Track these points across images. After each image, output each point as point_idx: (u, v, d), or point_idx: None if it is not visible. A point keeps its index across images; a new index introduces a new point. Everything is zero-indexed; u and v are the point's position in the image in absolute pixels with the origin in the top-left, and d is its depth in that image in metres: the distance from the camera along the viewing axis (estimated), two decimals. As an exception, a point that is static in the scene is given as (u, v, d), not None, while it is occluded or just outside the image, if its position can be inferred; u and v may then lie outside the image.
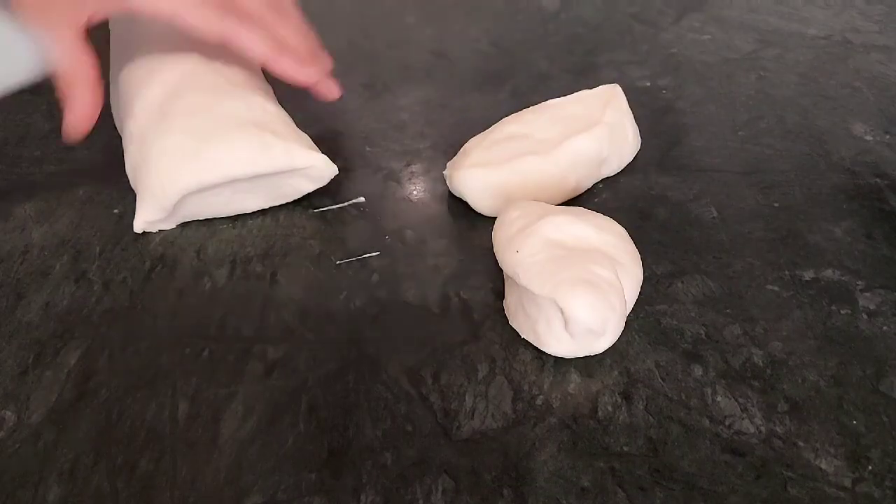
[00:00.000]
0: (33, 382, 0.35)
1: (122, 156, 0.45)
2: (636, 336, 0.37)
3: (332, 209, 0.46)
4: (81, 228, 0.44)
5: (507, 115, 0.47)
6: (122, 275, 0.41)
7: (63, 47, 0.38)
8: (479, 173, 0.43)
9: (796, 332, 0.37)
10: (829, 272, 0.40)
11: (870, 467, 0.31)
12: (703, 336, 0.37)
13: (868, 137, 0.51)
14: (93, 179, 0.45)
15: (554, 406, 0.34)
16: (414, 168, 0.49)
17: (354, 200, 0.46)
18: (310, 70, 0.46)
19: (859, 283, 0.40)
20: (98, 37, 0.42)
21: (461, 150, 0.47)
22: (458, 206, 0.46)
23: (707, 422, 0.33)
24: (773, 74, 0.59)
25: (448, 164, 0.47)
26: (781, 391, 0.34)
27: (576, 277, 0.33)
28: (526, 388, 0.34)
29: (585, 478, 0.31)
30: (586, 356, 0.35)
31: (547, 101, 0.48)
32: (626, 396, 0.34)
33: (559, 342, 0.34)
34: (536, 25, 0.68)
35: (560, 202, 0.45)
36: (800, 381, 0.34)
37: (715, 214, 0.45)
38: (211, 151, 0.41)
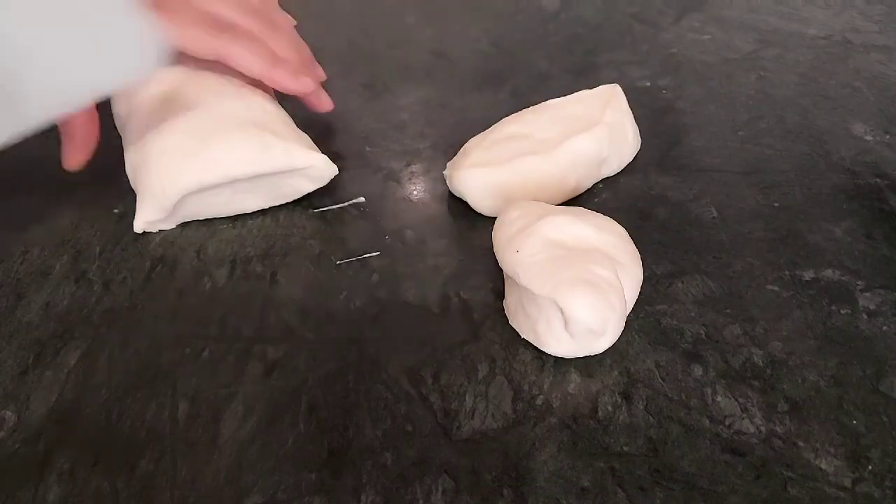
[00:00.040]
0: (33, 382, 0.35)
1: (122, 156, 0.45)
2: (636, 336, 0.37)
3: (332, 209, 0.46)
4: (81, 228, 0.44)
5: (507, 115, 0.47)
6: (122, 275, 0.41)
7: None
8: (479, 173, 0.43)
9: (796, 332, 0.37)
10: (829, 272, 0.40)
11: (870, 467, 0.31)
12: (703, 336, 0.37)
13: (868, 137, 0.51)
14: (93, 179, 0.45)
15: (554, 406, 0.34)
16: (414, 168, 0.50)
17: (354, 200, 0.46)
18: (305, 80, 0.46)
19: (859, 283, 0.40)
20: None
21: (461, 150, 0.47)
22: (458, 206, 0.46)
23: (707, 422, 0.33)
24: (773, 74, 0.59)
25: (448, 164, 0.47)
26: (781, 391, 0.34)
27: (576, 277, 0.33)
28: (526, 388, 0.34)
29: (585, 478, 0.31)
30: (586, 356, 0.35)
31: (547, 101, 0.48)
32: (626, 396, 0.34)
33: (559, 342, 0.34)
34: (536, 25, 0.68)
35: (560, 202, 0.45)
36: (800, 380, 0.34)
37: (715, 214, 0.45)
38: (211, 151, 0.41)
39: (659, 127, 0.53)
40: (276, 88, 0.46)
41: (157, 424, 0.33)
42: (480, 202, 0.44)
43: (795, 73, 0.59)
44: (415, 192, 0.47)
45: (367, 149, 0.51)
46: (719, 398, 0.34)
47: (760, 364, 0.35)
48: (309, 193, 0.46)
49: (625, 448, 0.32)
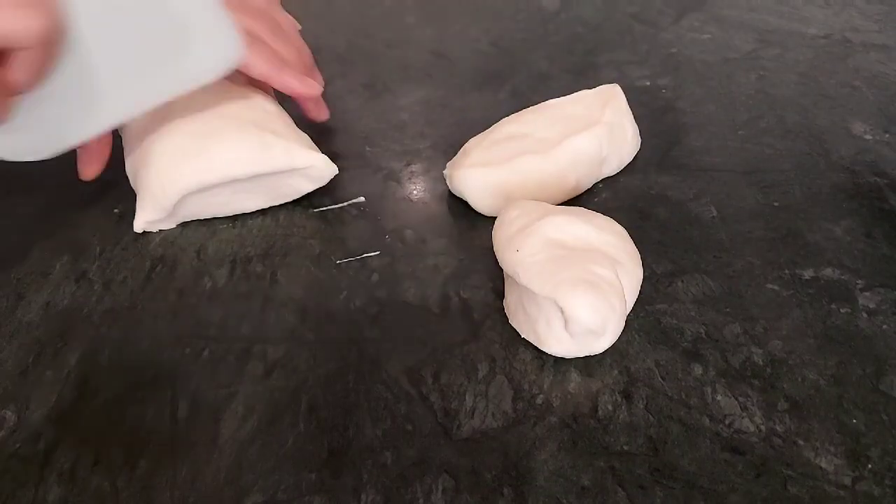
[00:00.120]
0: (33, 382, 0.35)
1: (122, 156, 0.45)
2: (636, 335, 0.37)
3: (332, 209, 0.46)
4: (81, 228, 0.44)
5: (507, 115, 0.47)
6: (123, 275, 0.41)
7: None
8: (479, 173, 0.43)
9: (796, 331, 0.37)
10: (828, 271, 0.40)
11: (870, 466, 0.31)
12: (703, 335, 0.37)
13: (868, 136, 0.51)
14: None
15: (554, 405, 0.34)
16: (414, 168, 0.50)
17: (354, 200, 0.46)
18: (311, 83, 0.47)
19: (859, 281, 0.40)
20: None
21: (461, 149, 0.47)
22: (458, 206, 0.46)
23: (707, 420, 0.33)
24: (773, 74, 0.59)
25: (448, 163, 0.47)
26: (781, 390, 0.34)
27: (576, 277, 0.33)
28: (526, 387, 0.34)
29: (585, 477, 0.31)
30: (586, 356, 0.35)
31: (547, 101, 0.48)
32: (627, 396, 0.34)
33: (559, 342, 0.34)
34: (536, 25, 0.68)
35: (560, 202, 0.45)
36: (800, 379, 0.34)
37: (715, 214, 0.45)
38: (211, 151, 0.41)
39: (659, 127, 0.53)
40: (282, 91, 0.46)
41: (157, 424, 0.33)
42: (480, 202, 0.44)
43: (795, 73, 0.59)
44: (415, 192, 0.47)
45: (367, 149, 0.51)
46: (719, 397, 0.34)
47: (760, 363, 0.35)
48: (309, 193, 0.46)
49: (625, 447, 0.32)
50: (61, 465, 0.32)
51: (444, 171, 0.46)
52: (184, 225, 0.45)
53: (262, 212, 0.46)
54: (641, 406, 0.33)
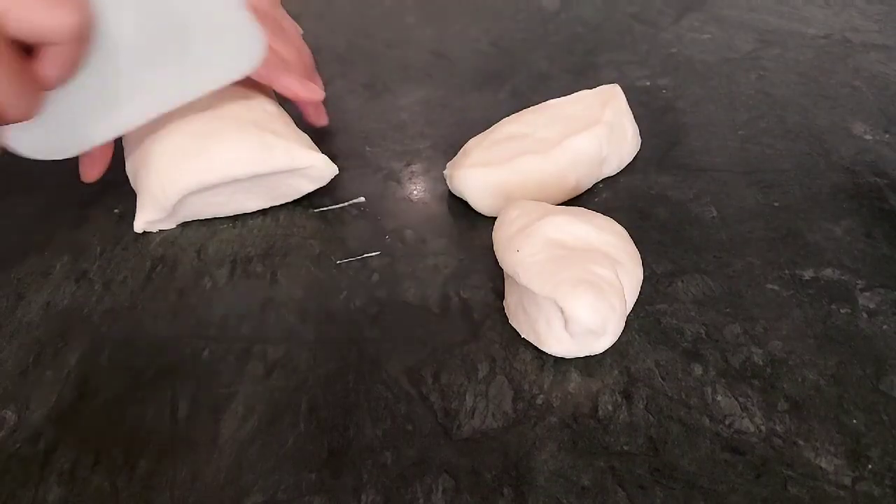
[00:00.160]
0: (33, 382, 0.35)
1: (123, 156, 0.45)
2: (636, 335, 0.37)
3: (332, 209, 0.46)
4: (81, 228, 0.45)
5: (507, 115, 0.47)
6: (123, 275, 0.41)
7: None
8: (479, 173, 0.43)
9: (796, 331, 0.37)
10: (828, 271, 0.40)
11: (870, 466, 0.31)
12: (703, 335, 0.37)
13: (868, 137, 0.51)
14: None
15: (554, 405, 0.34)
16: (414, 168, 0.50)
17: (354, 200, 0.46)
18: (313, 87, 0.47)
19: (859, 282, 0.40)
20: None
21: (461, 150, 0.47)
22: (458, 206, 0.46)
23: (707, 421, 0.33)
24: (773, 74, 0.59)
25: (448, 163, 0.47)
26: (781, 390, 0.34)
27: (576, 277, 0.33)
28: (526, 387, 0.34)
29: (586, 477, 0.31)
30: (586, 356, 0.35)
31: (547, 101, 0.48)
32: (627, 396, 0.34)
33: (559, 342, 0.34)
34: (536, 25, 0.68)
35: (560, 202, 0.45)
36: (800, 380, 0.34)
37: (715, 214, 0.45)
38: (211, 151, 0.41)
39: (659, 127, 0.53)
40: (284, 95, 0.46)
41: (157, 424, 0.33)
42: (480, 202, 0.44)
43: (795, 73, 0.59)
44: (415, 192, 0.47)
45: (367, 149, 0.51)
46: (719, 397, 0.34)
47: (760, 363, 0.35)
48: (309, 193, 0.46)
49: (625, 447, 0.32)
50: (61, 465, 0.32)
51: (444, 171, 0.46)
52: (184, 225, 0.45)
53: (263, 212, 0.46)
54: (641, 406, 0.33)
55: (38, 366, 0.36)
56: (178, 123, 0.42)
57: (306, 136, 0.46)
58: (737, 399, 0.34)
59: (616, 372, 0.35)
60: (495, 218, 0.40)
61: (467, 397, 0.34)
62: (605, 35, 0.66)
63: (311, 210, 0.46)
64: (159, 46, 0.37)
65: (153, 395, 0.34)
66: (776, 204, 0.45)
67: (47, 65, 0.31)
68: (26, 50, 0.31)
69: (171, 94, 0.39)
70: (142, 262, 0.42)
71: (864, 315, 0.38)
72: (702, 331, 0.37)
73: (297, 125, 0.46)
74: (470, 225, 0.44)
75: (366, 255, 0.42)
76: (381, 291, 0.40)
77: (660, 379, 0.35)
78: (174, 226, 0.45)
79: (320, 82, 0.52)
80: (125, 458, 0.32)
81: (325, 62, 0.54)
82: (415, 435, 0.32)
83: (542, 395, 0.34)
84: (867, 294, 0.39)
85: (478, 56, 0.63)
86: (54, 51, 0.31)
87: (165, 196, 0.41)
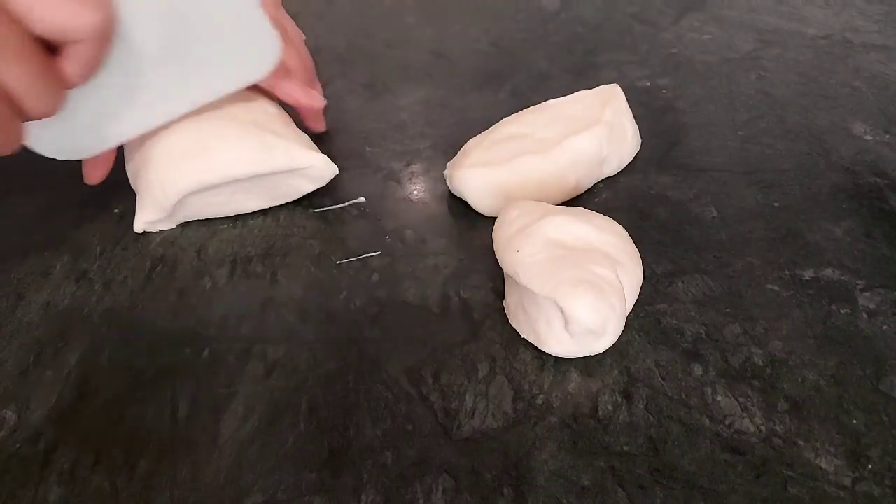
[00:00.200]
0: (33, 382, 0.35)
1: (123, 156, 0.45)
2: (636, 336, 0.37)
3: (333, 209, 0.46)
4: (81, 228, 0.45)
5: (507, 115, 0.47)
6: (123, 275, 0.41)
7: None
8: (479, 173, 0.43)
9: (796, 332, 0.37)
10: (828, 271, 0.40)
11: (870, 466, 0.31)
12: (703, 335, 0.37)
13: (868, 137, 0.51)
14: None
15: (554, 405, 0.34)
16: (414, 168, 0.50)
17: (354, 200, 0.46)
18: (314, 94, 0.47)
19: (859, 282, 0.40)
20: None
21: (461, 150, 0.47)
22: (458, 206, 0.46)
23: (707, 421, 0.33)
24: (773, 74, 0.59)
25: (448, 163, 0.47)
26: (781, 390, 0.34)
27: (576, 277, 0.33)
28: (526, 387, 0.34)
29: (586, 477, 0.31)
30: (586, 356, 0.35)
31: (547, 101, 0.48)
32: (627, 396, 0.34)
33: (559, 342, 0.34)
34: (536, 25, 0.68)
35: (560, 202, 0.45)
36: (800, 380, 0.34)
37: (715, 214, 0.45)
38: (211, 151, 0.41)
39: (659, 127, 0.53)
40: (286, 101, 0.46)
41: (157, 424, 0.33)
42: (480, 202, 0.44)
43: (795, 73, 0.59)
44: (415, 192, 0.47)
45: (367, 149, 0.51)
46: (719, 397, 0.34)
47: (760, 363, 0.35)
48: (309, 193, 0.46)
49: (625, 447, 0.32)
50: (61, 465, 0.32)
51: (444, 171, 0.46)
52: (184, 225, 0.45)
53: (263, 212, 0.46)
54: (641, 406, 0.33)
55: (38, 366, 0.36)
56: (178, 123, 0.42)
57: (306, 137, 0.46)
58: (737, 399, 0.34)
59: (616, 372, 0.35)
60: (495, 218, 0.40)
61: (467, 397, 0.34)
62: (605, 35, 0.66)
63: (311, 210, 0.46)
64: (179, 47, 0.38)
65: (153, 395, 0.35)
66: (776, 204, 0.45)
67: (70, 63, 0.32)
68: (50, 48, 0.31)
69: (190, 95, 0.40)
70: (142, 262, 0.42)
71: (864, 315, 0.38)
72: (702, 331, 0.37)
73: (297, 125, 0.46)
74: (470, 225, 0.44)
75: (366, 255, 0.42)
76: (381, 291, 0.40)
77: (660, 379, 0.35)
78: (174, 226, 0.45)
79: (320, 87, 0.52)
80: (125, 458, 0.32)
81: (325, 62, 0.54)
82: (415, 435, 0.32)
83: (542, 395, 0.34)
84: (867, 294, 0.39)
85: (478, 56, 0.63)
86: (77, 49, 0.32)
87: (165, 196, 0.41)
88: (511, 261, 0.35)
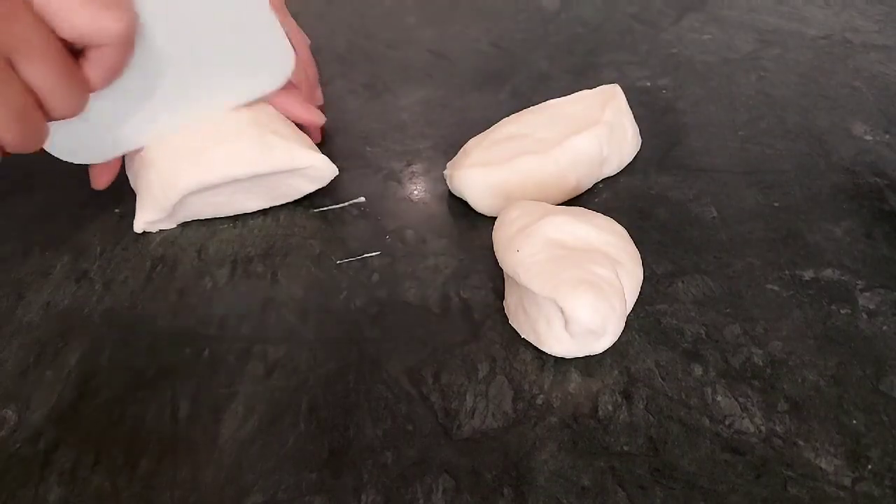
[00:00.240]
0: (34, 382, 0.35)
1: (123, 156, 0.45)
2: (636, 336, 0.37)
3: (333, 209, 0.46)
4: (81, 228, 0.45)
5: (507, 115, 0.47)
6: (123, 275, 0.41)
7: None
8: (480, 173, 0.43)
9: (796, 332, 0.37)
10: (828, 272, 0.40)
11: (869, 466, 0.31)
12: (703, 335, 0.37)
13: (868, 137, 0.51)
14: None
15: (554, 405, 0.34)
16: (414, 168, 0.50)
17: (354, 200, 0.46)
18: (315, 111, 0.47)
19: (859, 282, 0.40)
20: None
21: (461, 150, 0.47)
22: (458, 206, 0.46)
23: (707, 421, 0.33)
24: (773, 74, 0.59)
25: (448, 164, 0.47)
26: (781, 390, 0.34)
27: (576, 277, 0.33)
28: (526, 387, 0.34)
29: (586, 477, 0.31)
30: (586, 356, 0.35)
31: (547, 101, 0.48)
32: (627, 396, 0.34)
33: (559, 342, 0.34)
34: (536, 25, 0.68)
35: (560, 202, 0.45)
36: (800, 380, 0.34)
37: (715, 214, 0.45)
38: (211, 151, 0.41)
39: (659, 127, 0.53)
40: (284, 115, 0.46)
41: (157, 424, 0.33)
42: (480, 202, 0.44)
43: (795, 73, 0.59)
44: (415, 192, 0.47)
45: (367, 149, 0.51)
46: (719, 398, 0.34)
47: (760, 364, 0.35)
48: (309, 193, 0.46)
49: (625, 447, 0.32)
50: (62, 465, 0.32)
51: (444, 172, 0.46)
52: (184, 225, 0.45)
53: (263, 212, 0.46)
54: (641, 406, 0.33)
55: (38, 366, 0.36)
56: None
57: (306, 137, 0.46)
58: (737, 399, 0.34)
59: (616, 372, 0.35)
60: (495, 218, 0.40)
61: (467, 397, 0.34)
62: (606, 35, 0.66)
63: (311, 210, 0.46)
64: (196, 56, 0.38)
65: (153, 395, 0.35)
66: (776, 204, 0.45)
67: (93, 66, 0.33)
68: (74, 52, 0.32)
69: (207, 103, 0.40)
70: (142, 262, 0.42)
71: (864, 315, 0.38)
72: (702, 331, 0.37)
73: (297, 125, 0.46)
74: (470, 225, 0.44)
75: (366, 255, 0.42)
76: (381, 291, 0.40)
77: (660, 379, 0.35)
78: (174, 226, 0.45)
79: (321, 95, 0.52)
80: (125, 458, 0.32)
81: (325, 62, 0.54)
82: (415, 435, 0.33)
83: (542, 395, 0.34)
84: (867, 294, 0.39)
85: (478, 56, 0.63)
86: (100, 54, 0.32)
87: (165, 196, 0.41)
88: (511, 261, 0.35)
